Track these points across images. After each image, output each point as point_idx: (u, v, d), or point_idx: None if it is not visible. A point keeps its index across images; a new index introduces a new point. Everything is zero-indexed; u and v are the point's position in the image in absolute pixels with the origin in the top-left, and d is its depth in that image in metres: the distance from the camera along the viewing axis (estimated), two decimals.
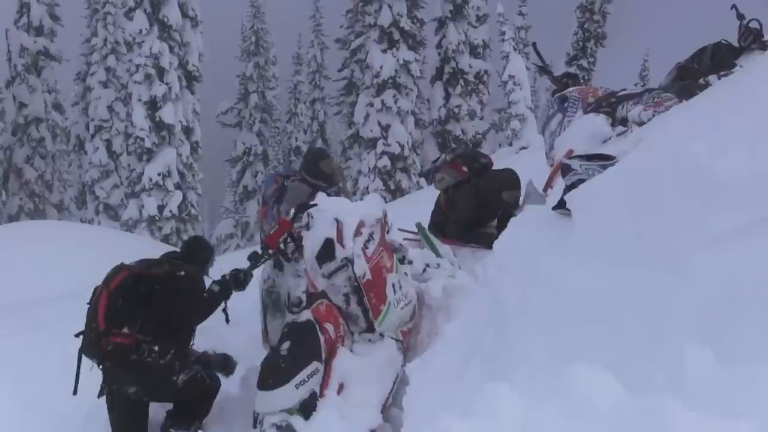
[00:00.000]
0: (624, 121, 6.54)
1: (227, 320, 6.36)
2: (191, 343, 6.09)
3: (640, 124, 6.28)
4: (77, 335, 5.90)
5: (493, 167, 8.87)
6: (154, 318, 5.79)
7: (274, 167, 42.30)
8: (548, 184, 7.50)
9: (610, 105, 7.06)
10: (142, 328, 5.77)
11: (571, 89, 7.70)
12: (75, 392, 5.88)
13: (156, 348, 5.76)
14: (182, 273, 5.91)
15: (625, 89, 7.31)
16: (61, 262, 12.79)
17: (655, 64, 40.53)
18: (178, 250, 6.72)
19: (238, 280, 6.06)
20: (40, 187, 32.28)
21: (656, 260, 3.04)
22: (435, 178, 8.65)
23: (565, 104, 7.59)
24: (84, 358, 5.89)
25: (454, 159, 8.77)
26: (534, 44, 9.18)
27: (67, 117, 35.92)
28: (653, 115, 6.14)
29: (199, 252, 6.44)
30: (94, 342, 5.75)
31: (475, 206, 8.40)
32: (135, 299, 5.82)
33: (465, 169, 8.63)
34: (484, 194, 8.48)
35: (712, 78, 7.08)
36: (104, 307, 5.76)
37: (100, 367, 5.86)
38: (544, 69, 8.97)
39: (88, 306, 5.91)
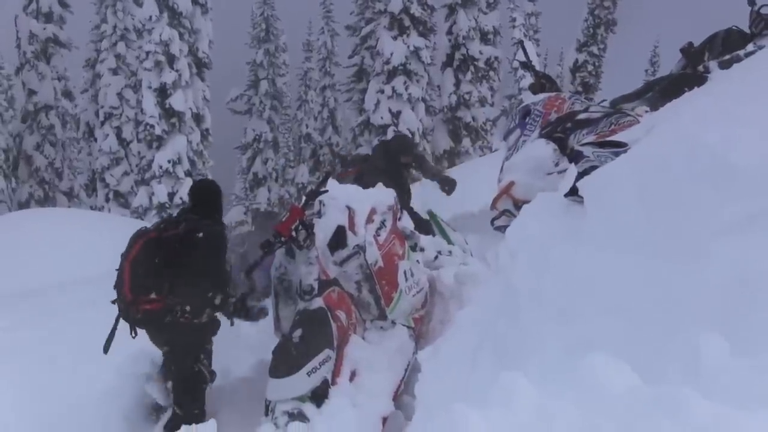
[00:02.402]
0: (572, 153, 6.45)
1: (232, 323, 6.48)
2: (230, 301, 6.11)
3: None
4: (113, 302, 6.02)
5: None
6: (181, 278, 5.86)
7: (284, 154, 42.38)
8: (493, 205, 7.53)
9: (565, 131, 7.01)
10: (172, 290, 5.88)
11: (536, 101, 7.63)
12: (106, 351, 5.96)
13: (188, 308, 5.89)
14: (201, 234, 5.98)
15: (588, 108, 7.23)
16: (71, 250, 12.82)
17: (665, 50, 40.48)
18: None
19: (246, 312, 6.15)
20: (50, 175, 32.36)
21: (669, 249, 3.02)
22: None
23: (526, 119, 7.54)
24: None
25: (342, 171, 9.09)
26: (521, 42, 9.32)
27: (77, 104, 36.01)
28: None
29: (208, 200, 6.48)
30: (125, 311, 5.93)
31: (386, 182, 8.46)
32: (157, 264, 5.93)
33: (351, 169, 8.91)
34: (385, 164, 8.60)
35: (712, 64, 7.06)
36: (128, 277, 5.88)
37: (134, 335, 6.05)
38: (527, 65, 9.02)
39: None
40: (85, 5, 34.97)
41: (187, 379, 6.14)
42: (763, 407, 2.17)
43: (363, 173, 9.03)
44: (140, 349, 6.41)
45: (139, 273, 5.87)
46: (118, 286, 5.93)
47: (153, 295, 5.84)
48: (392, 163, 9.08)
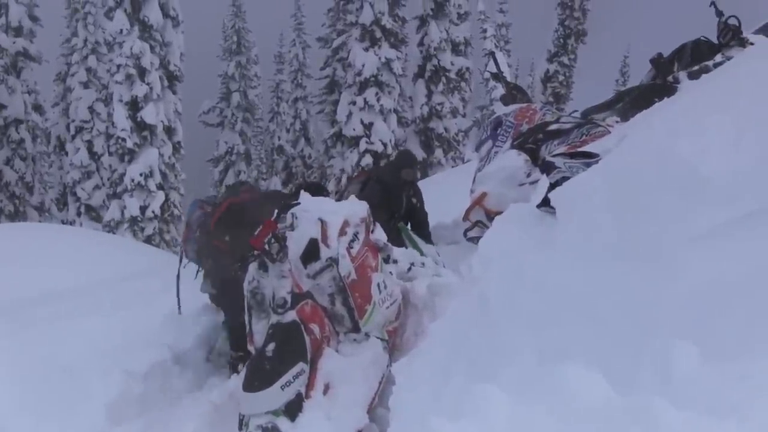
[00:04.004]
0: (543, 164, 6.52)
1: (180, 310, 7.55)
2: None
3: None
4: (183, 267, 7.47)
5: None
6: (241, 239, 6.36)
7: (257, 166, 42.30)
8: (466, 216, 7.58)
9: (536, 142, 7.06)
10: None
11: (507, 112, 7.68)
12: (180, 311, 7.54)
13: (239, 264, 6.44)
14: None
15: (560, 119, 7.28)
16: (41, 264, 12.69)
17: (635, 61, 40.76)
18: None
19: None
20: (20, 189, 32.10)
21: (641, 257, 3.04)
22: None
23: (498, 130, 7.59)
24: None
25: (358, 173, 9.18)
26: (492, 53, 9.39)
27: (48, 118, 35.83)
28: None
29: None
30: (205, 242, 7.22)
31: (382, 192, 8.52)
32: (229, 221, 6.99)
33: (365, 174, 9.03)
34: (385, 179, 8.66)
35: (681, 75, 7.13)
36: (216, 218, 7.06)
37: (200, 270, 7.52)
38: (498, 76, 9.08)
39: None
40: (56, 19, 34.83)
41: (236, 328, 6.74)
42: (733, 415, 2.19)
43: (368, 180, 9.06)
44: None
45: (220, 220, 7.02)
46: (204, 225, 7.17)
47: (226, 238, 6.97)
48: (394, 176, 9.09)
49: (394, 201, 8.96)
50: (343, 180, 26.99)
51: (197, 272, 7.76)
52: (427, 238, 9.02)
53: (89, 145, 32.86)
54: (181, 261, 7.71)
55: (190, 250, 7.82)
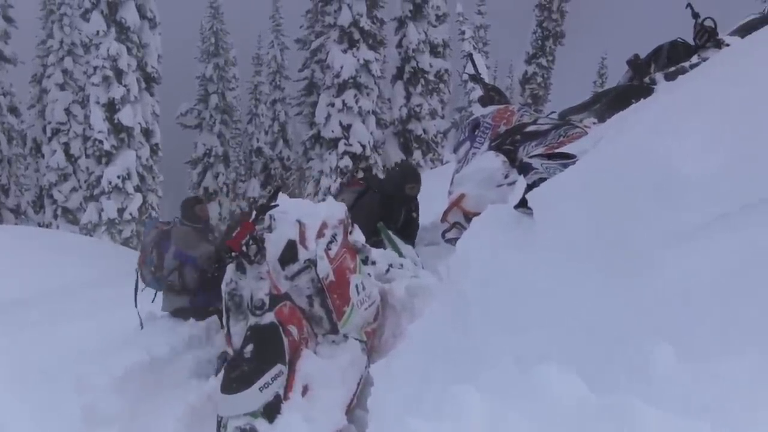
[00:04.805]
0: (521, 165, 6.53)
1: (141, 325, 7.58)
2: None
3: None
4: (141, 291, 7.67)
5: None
6: None
7: (235, 168, 42.27)
8: (444, 217, 7.59)
9: (514, 143, 7.07)
10: None
11: (485, 113, 7.69)
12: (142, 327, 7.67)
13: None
14: None
15: (537, 120, 7.30)
16: (16, 268, 12.62)
17: (612, 61, 40.97)
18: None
19: None
20: None
21: (618, 259, 3.05)
22: None
23: (476, 132, 7.60)
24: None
25: (351, 180, 9.08)
26: (470, 55, 9.38)
27: (23, 120, 35.62)
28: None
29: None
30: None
31: (380, 205, 8.51)
32: None
33: (362, 182, 8.93)
34: (388, 192, 8.63)
35: (658, 76, 7.16)
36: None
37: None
38: (476, 78, 9.08)
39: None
40: (31, 20, 34.64)
41: None
42: (707, 414, 2.20)
43: (367, 190, 9.01)
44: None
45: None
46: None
47: None
48: (398, 189, 9.02)
49: (394, 214, 8.95)
50: (323, 182, 26.97)
51: (154, 296, 7.98)
52: (411, 242, 9.00)
53: (66, 147, 32.73)
54: (137, 287, 7.82)
55: (146, 273, 7.88)
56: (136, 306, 7.52)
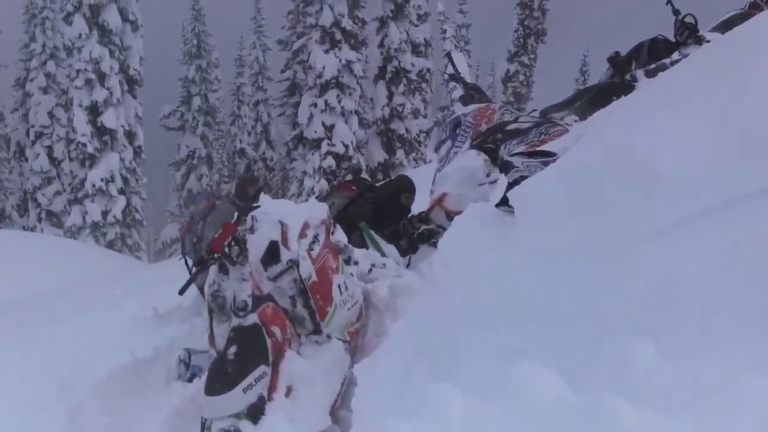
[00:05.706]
0: (502, 164, 6.53)
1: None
2: None
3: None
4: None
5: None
6: None
7: (218, 169, 42.21)
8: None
9: (495, 141, 7.08)
10: None
11: (466, 112, 7.70)
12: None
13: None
14: None
15: (518, 118, 7.31)
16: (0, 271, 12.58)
17: (594, 59, 41.10)
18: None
19: None
20: None
21: (598, 255, 3.06)
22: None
23: (457, 131, 7.61)
24: None
25: (342, 183, 8.95)
26: (449, 53, 9.36)
27: (7, 124, 35.57)
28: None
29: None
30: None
31: (373, 212, 8.49)
32: None
33: (354, 188, 8.81)
34: (382, 201, 8.59)
35: (638, 73, 7.18)
36: None
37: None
38: (455, 77, 9.09)
39: None
40: (13, 24, 34.54)
41: None
42: (688, 411, 2.20)
43: (359, 197, 8.93)
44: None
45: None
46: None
47: None
48: (392, 198, 8.97)
49: (384, 223, 8.91)
50: (306, 182, 26.96)
51: (191, 267, 7.67)
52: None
53: (49, 150, 32.64)
54: (184, 254, 7.89)
55: (188, 243, 7.77)
56: (190, 273, 7.39)
